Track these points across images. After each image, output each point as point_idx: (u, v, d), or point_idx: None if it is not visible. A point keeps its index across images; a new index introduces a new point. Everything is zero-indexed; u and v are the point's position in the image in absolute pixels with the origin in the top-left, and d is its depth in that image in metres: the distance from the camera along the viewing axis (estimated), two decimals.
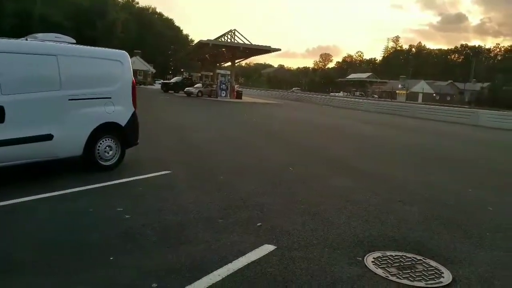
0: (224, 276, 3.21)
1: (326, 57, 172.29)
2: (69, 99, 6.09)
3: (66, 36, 6.75)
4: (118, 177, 6.22)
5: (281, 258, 3.61)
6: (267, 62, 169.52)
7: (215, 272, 3.25)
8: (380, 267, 3.57)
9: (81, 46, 6.68)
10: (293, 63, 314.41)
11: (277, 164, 8.28)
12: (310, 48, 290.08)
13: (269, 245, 3.88)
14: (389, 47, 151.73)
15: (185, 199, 5.33)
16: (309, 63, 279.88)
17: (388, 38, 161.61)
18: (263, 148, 10.52)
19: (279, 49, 41.11)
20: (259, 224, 4.47)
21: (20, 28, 43.67)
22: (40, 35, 6.46)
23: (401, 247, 4.06)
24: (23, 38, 6.24)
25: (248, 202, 5.28)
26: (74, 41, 6.74)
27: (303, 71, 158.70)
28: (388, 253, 3.88)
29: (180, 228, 4.23)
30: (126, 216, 4.50)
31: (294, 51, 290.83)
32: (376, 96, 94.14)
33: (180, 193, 5.59)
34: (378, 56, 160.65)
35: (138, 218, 4.45)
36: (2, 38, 5.84)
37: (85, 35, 54.34)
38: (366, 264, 3.62)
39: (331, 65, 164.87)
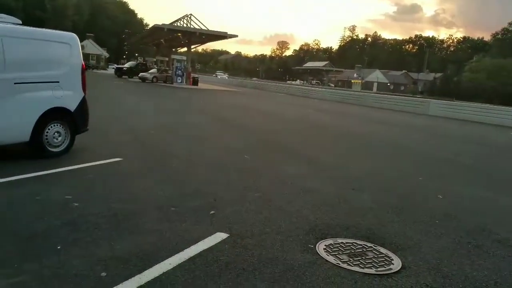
0: (175, 265, 3.18)
1: (283, 44, 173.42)
2: (14, 83, 5.79)
3: (11, 17, 6.39)
4: (67, 164, 5.98)
5: (234, 246, 3.63)
6: (224, 49, 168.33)
7: (166, 261, 3.22)
8: (331, 254, 3.65)
9: (27, 28, 6.34)
10: (250, 50, 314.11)
11: (232, 151, 8.29)
12: (268, 35, 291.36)
13: (222, 233, 3.89)
14: (346, 36, 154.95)
15: (136, 187, 5.21)
16: (267, 50, 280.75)
17: (345, 27, 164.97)
18: (218, 135, 10.47)
19: (235, 36, 41.04)
20: (212, 212, 4.47)
21: None
22: None
23: (353, 234, 4.17)
24: None
25: (201, 190, 5.26)
26: (20, 21, 6.39)
27: (260, 59, 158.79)
28: (339, 240, 3.98)
29: (131, 217, 4.14)
30: (75, 204, 4.34)
31: (251, 38, 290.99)
32: (332, 84, 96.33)
33: (131, 181, 5.46)
34: (335, 45, 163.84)
35: (87, 206, 4.31)
36: None
37: (34, 16, 51.18)
38: (318, 251, 3.70)
39: (288, 53, 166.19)
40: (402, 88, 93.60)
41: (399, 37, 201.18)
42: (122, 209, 4.33)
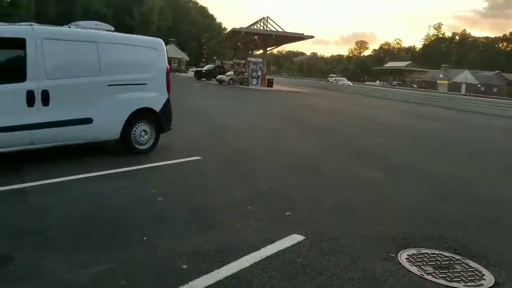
0: (252, 263, 3.22)
1: (361, 44, 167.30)
2: (108, 85, 6.30)
3: (105, 24, 6.98)
4: (151, 160, 6.38)
5: (310, 249, 3.58)
6: (299, 50, 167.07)
7: (243, 258, 3.28)
8: (415, 265, 3.44)
9: (119, 34, 6.88)
10: (326, 51, 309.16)
11: (308, 153, 8.20)
12: (345, 35, 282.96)
13: (298, 235, 3.85)
14: (431, 34, 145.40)
15: (215, 184, 5.39)
16: (344, 50, 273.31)
17: (430, 25, 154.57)
18: (294, 136, 10.44)
19: (312, 37, 40.65)
20: (288, 213, 4.45)
21: (64, 15, 45.60)
22: (81, 22, 6.71)
23: (438, 245, 3.89)
24: (66, 26, 6.47)
25: (277, 191, 5.27)
26: (113, 28, 6.95)
27: (337, 59, 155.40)
28: (423, 251, 3.74)
29: (210, 213, 4.29)
30: (159, 199, 4.61)
31: (328, 39, 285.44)
32: (415, 86, 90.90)
33: (210, 179, 5.66)
34: (418, 44, 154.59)
35: (170, 201, 4.56)
36: (47, 26, 6.07)
37: (123, 22, 56.01)
38: (400, 260, 3.50)
39: (367, 52, 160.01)
40: (495, 89, 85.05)
41: (491, 35, 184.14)
42: (202, 205, 4.50)
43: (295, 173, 6.37)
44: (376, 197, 5.38)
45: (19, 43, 5.35)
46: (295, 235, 3.83)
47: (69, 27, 6.44)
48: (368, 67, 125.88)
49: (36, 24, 5.86)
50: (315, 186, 5.69)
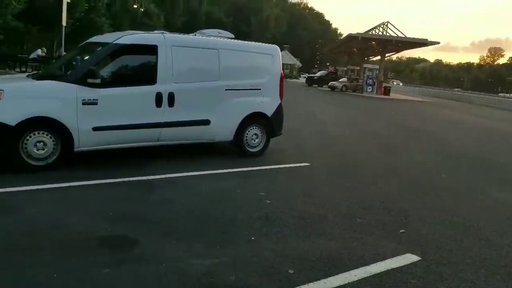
0: (360, 278, 3.07)
1: (496, 51, 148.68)
2: (225, 89, 6.64)
3: (227, 32, 7.39)
4: (261, 163, 6.55)
5: (426, 271, 3.27)
6: (421, 56, 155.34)
7: (351, 272, 3.14)
8: None
9: (238, 41, 7.23)
10: (453, 58, 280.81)
11: (426, 168, 7.56)
12: (476, 41, 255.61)
13: (413, 255, 3.56)
14: None
15: (323, 192, 5.31)
16: (474, 58, 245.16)
17: None
18: (411, 149, 9.73)
19: (437, 42, 37.66)
20: (402, 231, 4.14)
21: (189, 24, 50.12)
22: (206, 30, 7.22)
23: None
24: (192, 34, 7.04)
25: (390, 206, 4.95)
26: (233, 36, 7.32)
27: (465, 67, 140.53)
28: None
29: (318, 220, 4.22)
30: (268, 201, 4.70)
31: (455, 45, 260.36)
32: None
33: (318, 186, 5.59)
34: None
35: (278, 204, 4.61)
36: (176, 34, 6.69)
37: (241, 30, 59.20)
38: None
39: (502, 61, 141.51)
40: None
41: None
42: (309, 212, 4.46)
43: (412, 189, 5.93)
44: (506, 222, 4.70)
45: (152, 49, 5.94)
46: (409, 255, 3.55)
47: (195, 34, 6.98)
48: (503, 76, 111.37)
49: (166, 32, 6.49)
50: (434, 205, 5.21)
